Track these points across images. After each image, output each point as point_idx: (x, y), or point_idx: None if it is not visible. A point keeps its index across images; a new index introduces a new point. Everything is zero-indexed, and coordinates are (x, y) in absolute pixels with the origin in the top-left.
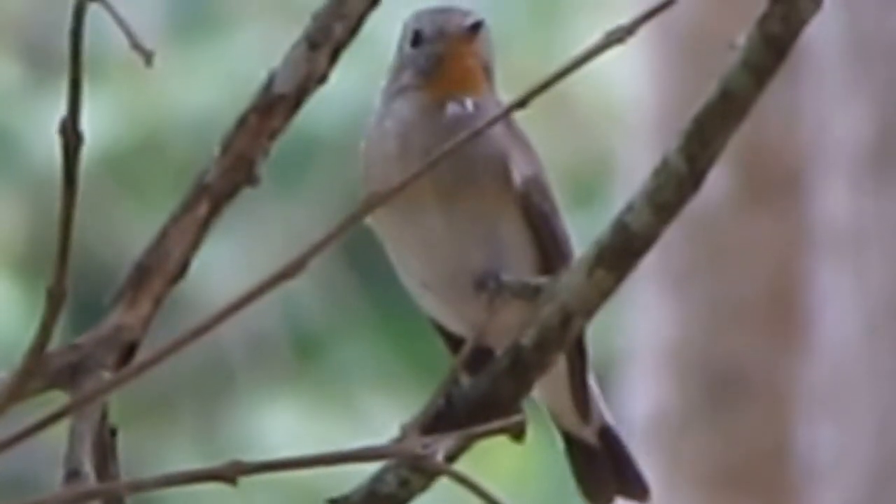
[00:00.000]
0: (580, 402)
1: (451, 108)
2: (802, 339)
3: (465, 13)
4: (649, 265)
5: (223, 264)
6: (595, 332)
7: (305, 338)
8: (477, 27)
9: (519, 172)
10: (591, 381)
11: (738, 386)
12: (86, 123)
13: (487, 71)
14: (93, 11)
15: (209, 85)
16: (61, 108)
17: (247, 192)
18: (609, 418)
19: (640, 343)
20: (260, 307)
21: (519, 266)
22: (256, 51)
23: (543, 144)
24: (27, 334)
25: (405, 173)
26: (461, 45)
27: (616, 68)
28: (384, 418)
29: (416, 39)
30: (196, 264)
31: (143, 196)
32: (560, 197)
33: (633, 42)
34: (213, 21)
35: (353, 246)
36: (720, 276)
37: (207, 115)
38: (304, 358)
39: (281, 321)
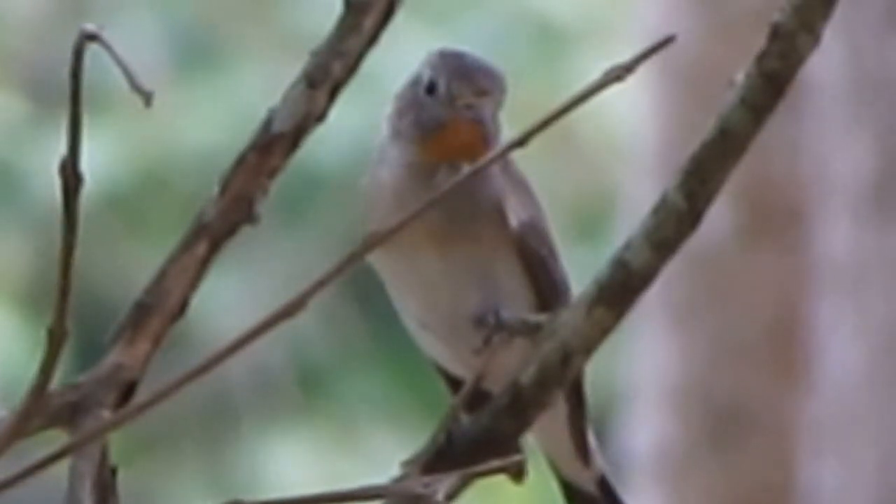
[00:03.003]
0: (581, 447)
1: (442, 176)
2: (805, 374)
3: (491, 78)
4: (652, 301)
5: (229, 301)
6: (598, 369)
7: (311, 373)
8: (489, 127)
9: (515, 216)
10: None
11: (741, 422)
12: (89, 160)
13: (494, 134)
14: (96, 47)
15: (213, 122)
16: (65, 145)
17: (251, 229)
18: (605, 467)
19: (643, 379)
20: (265, 343)
21: (515, 308)
22: (261, 88)
23: (548, 179)
24: (32, 369)
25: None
26: (466, 126)
27: (620, 103)
28: (391, 453)
29: (431, 89)
30: (202, 301)
31: (148, 233)
32: (565, 231)
33: (636, 77)
34: (217, 58)
35: (359, 282)
36: (722, 311)
37: (212, 151)
38: (309, 393)
39: (286, 357)
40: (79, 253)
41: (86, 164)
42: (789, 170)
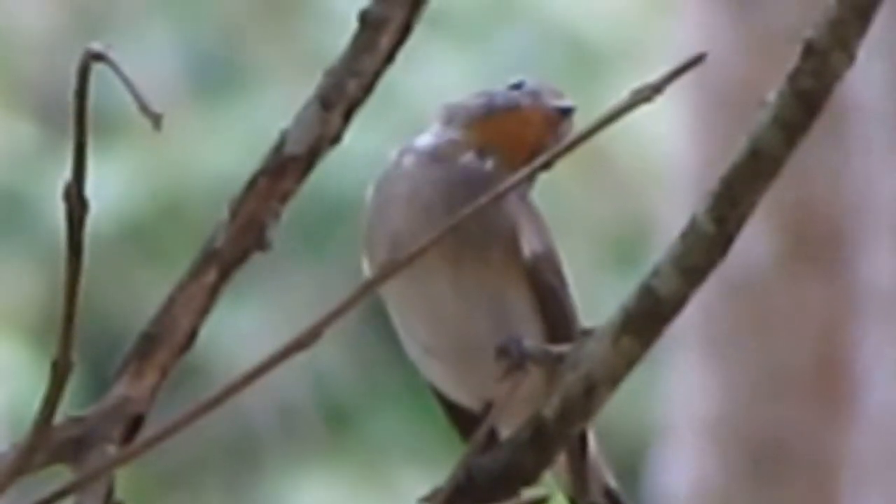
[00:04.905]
0: (578, 482)
1: (467, 159)
2: (849, 407)
3: (570, 106)
4: (689, 332)
5: (248, 332)
6: (634, 402)
7: (336, 409)
8: (567, 113)
9: (529, 245)
10: (593, 451)
11: (783, 456)
12: (104, 186)
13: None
14: (109, 71)
15: (231, 146)
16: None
17: (271, 257)
18: (611, 480)
19: (681, 412)
20: (289, 378)
21: (525, 338)
22: (279, 111)
23: (585, 204)
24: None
25: (409, 222)
26: (539, 118)
27: (659, 126)
28: (417, 490)
29: (517, 85)
30: (219, 332)
31: (164, 261)
32: (602, 256)
33: (675, 99)
34: (237, 80)
35: (384, 315)
36: (763, 342)
37: (230, 176)
38: (334, 429)
39: (310, 391)
40: (93, 282)
41: (100, 191)
42: (831, 194)
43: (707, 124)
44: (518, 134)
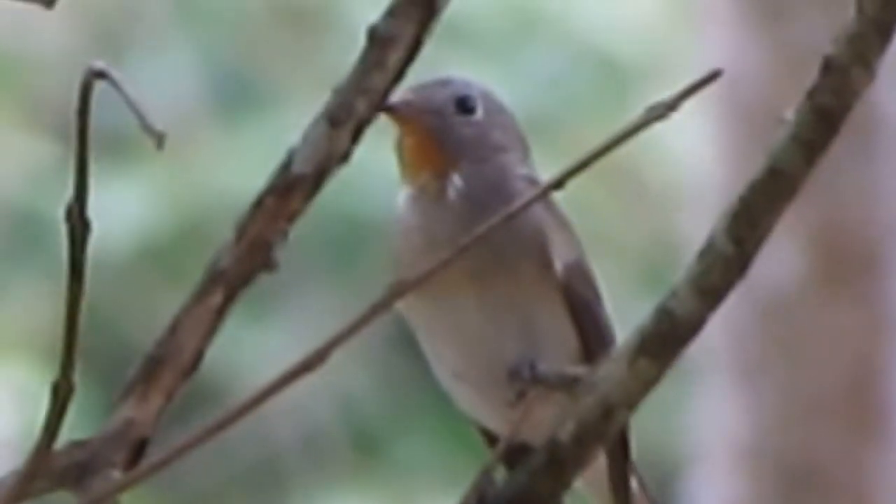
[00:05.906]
0: (621, 493)
1: (451, 191)
2: (883, 431)
3: (442, 85)
4: (720, 356)
5: (271, 351)
6: (666, 427)
7: (363, 433)
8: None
9: (560, 258)
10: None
11: (816, 483)
12: (124, 208)
13: (442, 137)
14: (130, 90)
15: (251, 166)
16: (98, 192)
17: (294, 277)
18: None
19: (712, 438)
20: (315, 401)
21: (558, 357)
22: (300, 131)
23: (610, 222)
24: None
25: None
26: (399, 125)
27: (685, 144)
28: None
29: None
30: (243, 352)
31: (182, 281)
32: (633, 280)
33: (701, 116)
34: (256, 101)
35: (410, 337)
36: (795, 365)
37: (249, 197)
38: (362, 454)
39: (337, 415)
40: (111, 303)
41: (118, 211)
42: (864, 214)
43: (735, 142)
44: (408, 155)
